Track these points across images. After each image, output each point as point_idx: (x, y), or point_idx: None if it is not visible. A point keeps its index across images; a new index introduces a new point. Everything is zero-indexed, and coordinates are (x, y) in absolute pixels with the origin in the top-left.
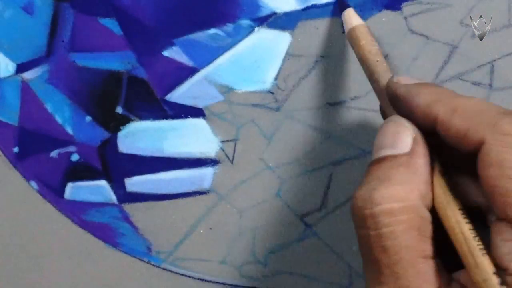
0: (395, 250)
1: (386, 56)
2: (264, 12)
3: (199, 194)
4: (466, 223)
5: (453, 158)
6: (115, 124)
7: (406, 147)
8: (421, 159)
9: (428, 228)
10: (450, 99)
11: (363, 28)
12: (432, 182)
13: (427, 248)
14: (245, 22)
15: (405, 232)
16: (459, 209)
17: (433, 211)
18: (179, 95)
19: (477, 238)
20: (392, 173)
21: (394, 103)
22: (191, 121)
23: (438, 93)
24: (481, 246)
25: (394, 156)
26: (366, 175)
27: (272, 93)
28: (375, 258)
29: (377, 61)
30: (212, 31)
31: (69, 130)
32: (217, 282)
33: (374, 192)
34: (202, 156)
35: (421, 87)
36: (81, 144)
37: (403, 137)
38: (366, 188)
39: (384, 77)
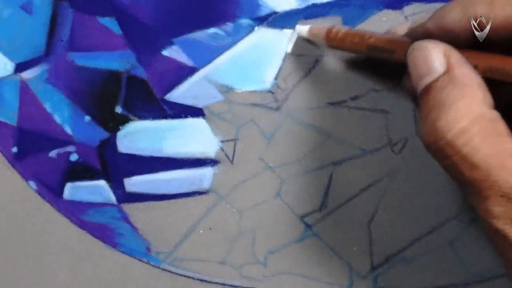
0: (484, 162)
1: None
2: (264, 12)
3: (199, 194)
4: None
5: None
6: (114, 124)
7: (442, 66)
8: (462, 68)
9: (502, 126)
10: None
11: (324, 30)
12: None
13: (511, 145)
14: (245, 21)
15: (484, 141)
16: None
17: (501, 107)
18: (179, 94)
19: None
20: (443, 96)
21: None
22: (191, 121)
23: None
24: None
25: (436, 80)
26: (420, 110)
27: (272, 93)
28: (470, 178)
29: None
30: (212, 30)
31: (68, 130)
32: (216, 283)
33: (438, 123)
34: (202, 156)
35: (445, 6)
36: (80, 144)
37: (435, 58)
38: (427, 123)
39: (396, 39)
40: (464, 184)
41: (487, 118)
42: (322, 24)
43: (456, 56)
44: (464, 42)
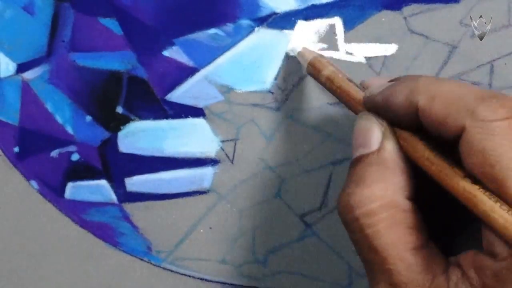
0: (382, 248)
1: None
2: (264, 12)
3: (199, 194)
4: (478, 188)
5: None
6: (115, 124)
7: (375, 144)
8: (391, 153)
9: (412, 219)
10: (428, 86)
11: (319, 60)
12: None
13: (415, 239)
14: (245, 22)
15: (388, 229)
16: (461, 172)
17: (418, 198)
18: (179, 95)
19: (493, 196)
20: (365, 173)
21: (377, 114)
22: (191, 121)
23: (414, 84)
24: (502, 203)
25: (366, 155)
26: (346, 178)
27: (272, 93)
28: (367, 258)
29: (342, 86)
30: (212, 31)
31: (69, 129)
32: (217, 282)
33: (352, 197)
34: (202, 156)
35: (395, 85)
36: (81, 143)
37: (373, 134)
38: (345, 193)
39: (357, 96)
40: (363, 261)
41: (399, 207)
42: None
43: (391, 139)
44: (407, 124)
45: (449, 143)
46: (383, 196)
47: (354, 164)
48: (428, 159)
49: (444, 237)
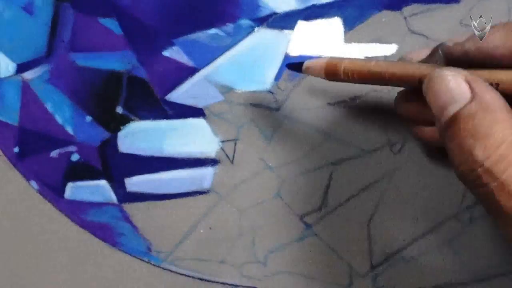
0: None
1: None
2: (264, 12)
3: (199, 194)
4: None
5: None
6: (115, 124)
7: (467, 93)
8: (488, 93)
9: None
10: None
11: (337, 61)
12: None
13: None
14: (245, 22)
15: None
16: None
17: None
18: (179, 95)
19: None
20: (475, 124)
21: (460, 64)
22: (191, 121)
23: (510, 26)
24: None
25: (463, 108)
26: (449, 140)
27: (272, 93)
28: (507, 207)
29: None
30: (212, 31)
31: (69, 130)
32: (217, 282)
33: (474, 151)
34: (202, 156)
35: (492, 29)
36: (81, 144)
37: (459, 86)
38: (462, 152)
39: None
40: (499, 213)
41: None
42: (322, 24)
43: (479, 82)
44: (504, 66)
45: None
46: (504, 136)
47: (451, 123)
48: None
49: None
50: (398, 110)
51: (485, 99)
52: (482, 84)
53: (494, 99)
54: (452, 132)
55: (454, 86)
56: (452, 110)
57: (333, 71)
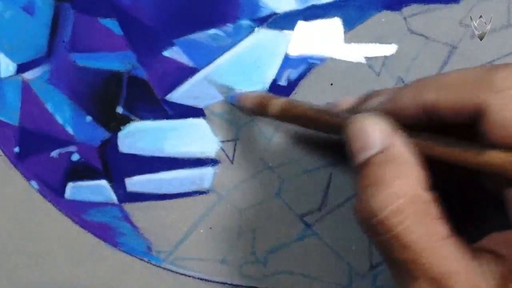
0: (415, 243)
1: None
2: (264, 12)
3: (199, 194)
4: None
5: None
6: (115, 124)
7: (380, 142)
8: (400, 147)
9: (435, 209)
10: (433, 80)
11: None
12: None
13: (443, 229)
14: (245, 22)
15: (418, 223)
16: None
17: (437, 186)
18: (179, 95)
19: None
20: (379, 174)
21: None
22: (191, 121)
23: (419, 83)
24: None
25: (374, 156)
26: (357, 184)
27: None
28: (400, 258)
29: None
30: (212, 31)
31: (69, 130)
32: (217, 282)
33: (372, 200)
34: (202, 156)
35: (400, 89)
36: (81, 144)
37: (374, 134)
38: (363, 198)
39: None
40: (393, 263)
41: (421, 199)
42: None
43: (395, 134)
44: (416, 126)
45: (457, 134)
46: (406, 192)
47: (361, 168)
48: (447, 146)
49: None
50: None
51: (395, 151)
52: (396, 136)
53: (404, 152)
54: (359, 177)
55: (371, 132)
56: (362, 156)
57: (261, 110)
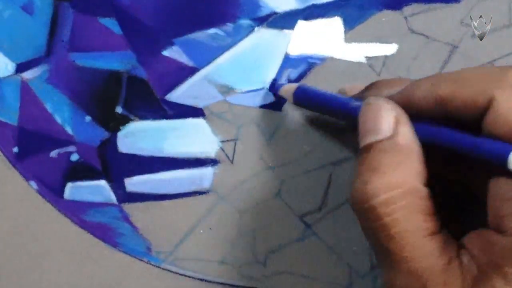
0: (400, 236)
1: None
2: (264, 12)
3: (199, 194)
4: None
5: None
6: (114, 124)
7: (389, 129)
8: (408, 137)
9: (428, 205)
10: (449, 74)
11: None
12: None
13: (431, 225)
14: (245, 22)
15: (407, 217)
16: None
17: (433, 181)
18: (179, 95)
19: None
20: (380, 160)
21: None
22: (191, 121)
23: (434, 76)
24: None
25: (379, 142)
26: (357, 166)
27: (272, 92)
28: (383, 246)
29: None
30: (212, 30)
31: (68, 130)
32: (217, 282)
33: (368, 185)
34: (202, 156)
35: (414, 82)
36: (80, 144)
37: (384, 120)
38: (359, 181)
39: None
40: (378, 249)
41: (417, 193)
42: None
43: (406, 124)
44: (431, 118)
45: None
46: (402, 183)
47: (365, 151)
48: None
49: (451, 221)
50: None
51: (401, 141)
52: (407, 127)
53: (410, 143)
54: (361, 159)
55: (382, 118)
56: (370, 139)
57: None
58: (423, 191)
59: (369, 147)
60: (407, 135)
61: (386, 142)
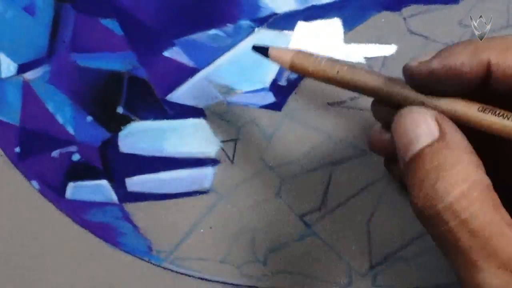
0: (483, 228)
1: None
2: (264, 13)
3: (200, 194)
4: None
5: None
6: (116, 124)
7: (435, 131)
8: (455, 134)
9: (494, 194)
10: (497, 39)
11: (302, 55)
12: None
13: (505, 214)
14: (245, 22)
15: (483, 207)
16: None
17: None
18: (180, 95)
19: None
20: (440, 160)
21: (424, 84)
22: (192, 121)
23: (478, 41)
24: None
25: (431, 145)
26: (412, 176)
27: (273, 92)
28: (466, 246)
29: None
30: (213, 31)
31: (70, 130)
32: (217, 281)
33: (437, 186)
34: (203, 156)
35: (453, 47)
36: (82, 144)
37: (427, 124)
38: (424, 186)
39: (375, 79)
40: (457, 253)
41: (484, 184)
42: (322, 25)
43: (447, 122)
44: (471, 85)
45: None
46: (469, 176)
47: (416, 159)
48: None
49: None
50: (372, 146)
51: (452, 139)
52: (450, 124)
53: (460, 139)
54: (415, 167)
55: (424, 123)
56: (419, 145)
57: (299, 68)
58: (488, 181)
59: (420, 154)
60: (453, 132)
61: (437, 143)
